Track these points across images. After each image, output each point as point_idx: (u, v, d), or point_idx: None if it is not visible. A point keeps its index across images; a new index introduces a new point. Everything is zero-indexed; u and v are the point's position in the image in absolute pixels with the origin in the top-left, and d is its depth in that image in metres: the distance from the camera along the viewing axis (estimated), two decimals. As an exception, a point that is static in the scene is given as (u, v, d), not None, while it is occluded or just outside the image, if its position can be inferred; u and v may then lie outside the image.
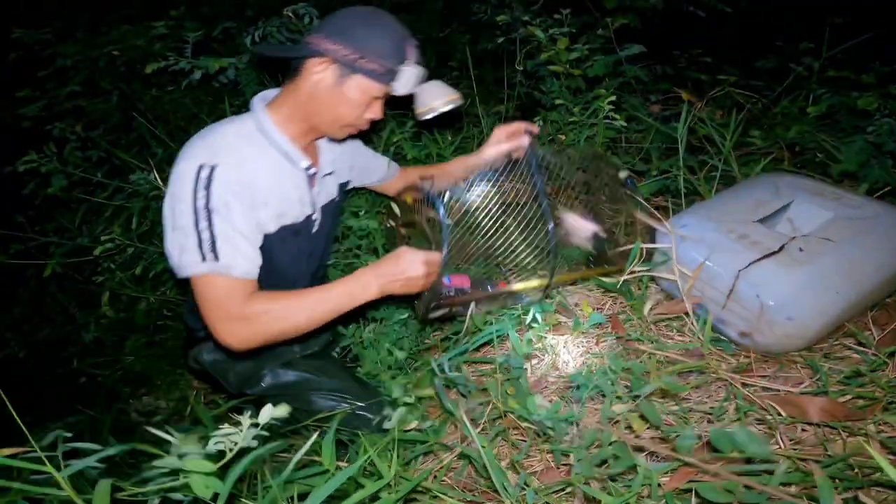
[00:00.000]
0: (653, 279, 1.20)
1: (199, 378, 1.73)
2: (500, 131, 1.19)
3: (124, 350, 1.81)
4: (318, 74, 0.95)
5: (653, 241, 1.11)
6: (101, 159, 1.74)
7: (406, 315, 1.32)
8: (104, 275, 1.76)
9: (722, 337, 1.06)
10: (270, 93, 1.06)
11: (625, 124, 1.51)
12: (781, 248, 1.03)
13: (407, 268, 0.97)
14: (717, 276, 1.05)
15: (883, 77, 1.38)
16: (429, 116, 1.07)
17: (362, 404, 1.09)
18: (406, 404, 0.99)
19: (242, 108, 1.82)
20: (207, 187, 0.87)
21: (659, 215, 1.20)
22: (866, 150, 1.26)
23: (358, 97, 0.98)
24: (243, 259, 0.92)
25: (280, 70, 1.03)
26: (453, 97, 1.06)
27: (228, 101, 1.68)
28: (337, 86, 0.96)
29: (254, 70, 1.65)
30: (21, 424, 0.55)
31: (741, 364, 0.99)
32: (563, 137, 1.55)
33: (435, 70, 2.01)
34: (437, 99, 1.04)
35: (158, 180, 1.54)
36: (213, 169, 0.88)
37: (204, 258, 0.87)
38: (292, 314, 0.93)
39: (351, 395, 1.11)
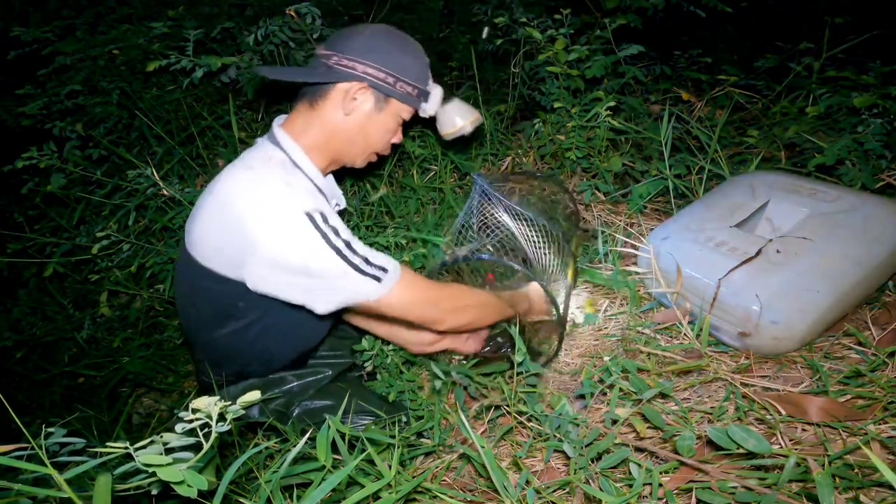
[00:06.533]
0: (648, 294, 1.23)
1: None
2: None
3: (121, 349, 1.80)
4: (355, 101, 0.89)
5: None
6: (102, 158, 1.74)
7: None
8: (101, 273, 1.75)
9: (721, 341, 1.06)
10: (283, 117, 0.96)
11: (622, 127, 1.51)
12: (759, 253, 1.03)
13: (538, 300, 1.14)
14: (700, 286, 1.06)
15: (883, 77, 1.38)
16: (456, 136, 1.06)
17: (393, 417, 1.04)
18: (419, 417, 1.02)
19: (244, 107, 1.83)
20: (329, 224, 0.80)
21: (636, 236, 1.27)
22: (849, 146, 1.26)
23: (392, 123, 0.94)
24: (390, 259, 0.87)
25: (289, 85, 0.95)
26: (477, 117, 1.06)
27: (232, 99, 1.68)
28: (374, 112, 0.91)
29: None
30: (20, 424, 0.54)
31: (741, 365, 0.99)
32: (563, 139, 1.55)
33: (435, 70, 2.01)
34: (463, 119, 1.04)
35: (156, 177, 1.54)
36: (320, 211, 0.80)
37: (377, 278, 0.83)
38: (475, 293, 1.02)
39: (381, 413, 1.05)
